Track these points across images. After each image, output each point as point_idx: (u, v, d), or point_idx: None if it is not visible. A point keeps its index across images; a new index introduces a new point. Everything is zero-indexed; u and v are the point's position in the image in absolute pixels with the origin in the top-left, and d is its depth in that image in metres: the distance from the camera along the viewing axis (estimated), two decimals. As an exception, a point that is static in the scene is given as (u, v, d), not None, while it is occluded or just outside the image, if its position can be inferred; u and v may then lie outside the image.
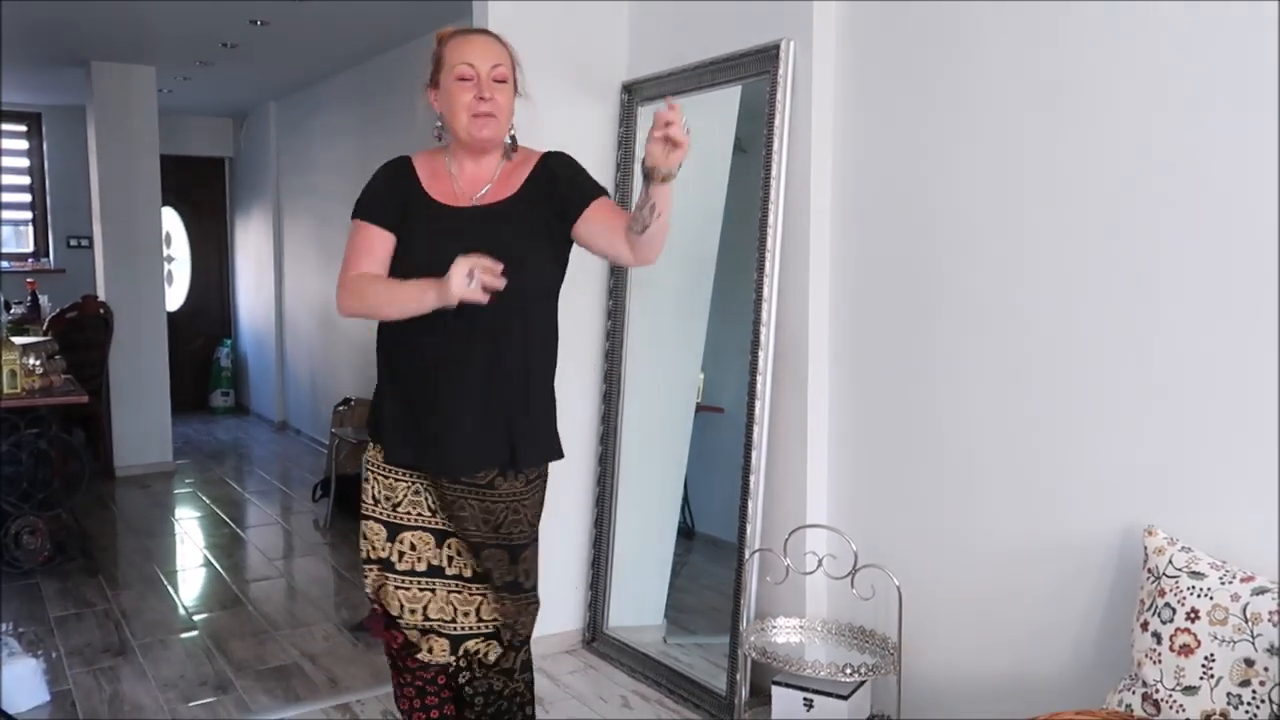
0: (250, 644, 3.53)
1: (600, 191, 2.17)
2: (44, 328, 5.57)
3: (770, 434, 2.90)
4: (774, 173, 2.85)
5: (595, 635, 3.43)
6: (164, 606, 3.93)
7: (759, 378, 2.88)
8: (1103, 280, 2.17)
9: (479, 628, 2.21)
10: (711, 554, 4.13)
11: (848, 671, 2.49)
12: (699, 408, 3.68)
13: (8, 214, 7.76)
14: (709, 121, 3.33)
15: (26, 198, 7.75)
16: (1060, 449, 2.27)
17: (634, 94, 3.41)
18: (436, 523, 2.19)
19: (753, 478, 2.88)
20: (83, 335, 5.57)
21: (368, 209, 2.15)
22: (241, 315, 8.62)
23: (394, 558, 2.19)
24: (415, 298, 1.97)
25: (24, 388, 4.01)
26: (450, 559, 2.20)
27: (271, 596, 4.07)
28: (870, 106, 2.70)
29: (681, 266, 3.44)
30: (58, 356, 4.55)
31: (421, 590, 2.19)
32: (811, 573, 2.72)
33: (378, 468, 2.20)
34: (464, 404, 2.08)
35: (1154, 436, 2.10)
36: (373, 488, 2.22)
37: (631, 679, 3.20)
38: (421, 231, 2.11)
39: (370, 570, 2.22)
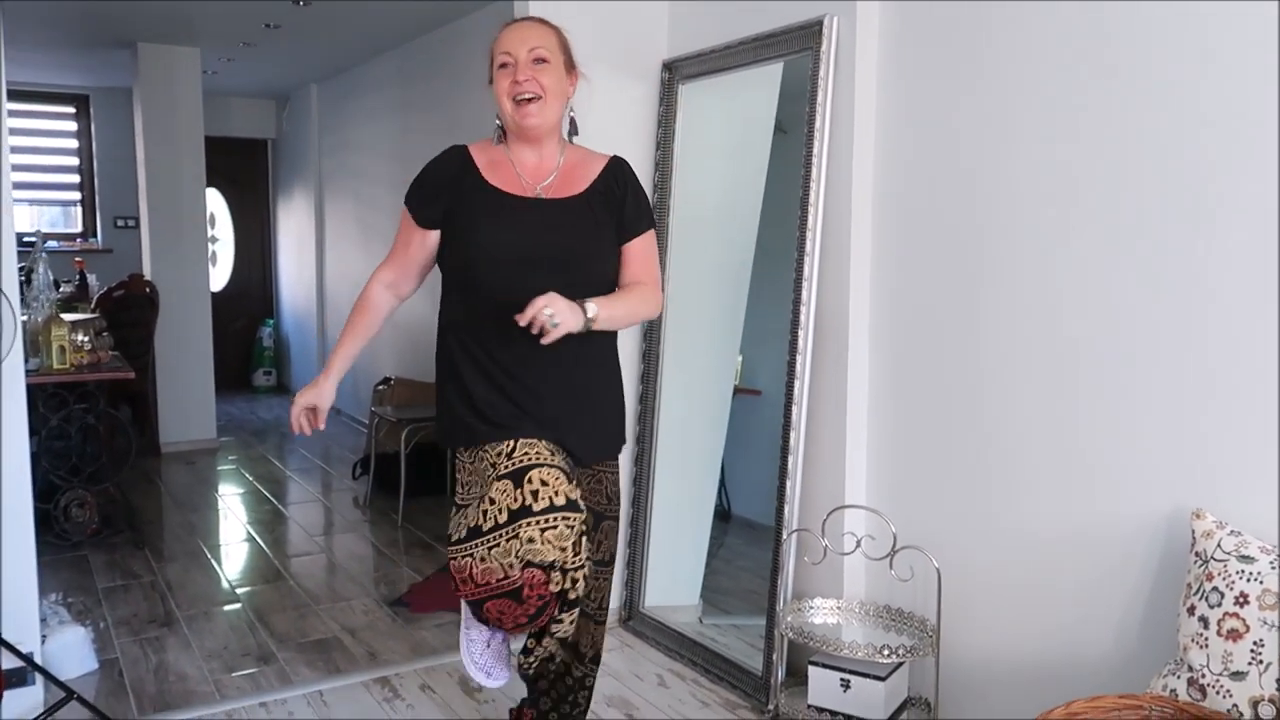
0: (291, 617, 3.59)
1: (648, 226, 2.23)
2: (92, 306, 5.66)
3: (809, 414, 2.89)
4: (815, 150, 2.82)
5: (632, 614, 3.45)
6: (208, 579, 4.00)
7: (799, 357, 2.86)
8: (1151, 260, 2.13)
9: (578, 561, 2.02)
10: (748, 537, 4.13)
11: (885, 653, 2.48)
12: (737, 390, 3.67)
13: (57, 194, 7.91)
14: (748, 101, 3.31)
15: (75, 179, 7.89)
16: (1106, 431, 2.24)
17: (675, 72, 3.39)
18: (557, 461, 2.02)
19: (791, 458, 2.87)
20: (129, 314, 5.66)
21: (414, 203, 2.18)
22: (283, 295, 8.71)
23: (530, 500, 1.94)
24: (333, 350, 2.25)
25: (73, 363, 4.08)
26: (579, 492, 2.03)
27: (312, 572, 4.12)
28: (915, 83, 2.67)
29: (720, 249, 3.42)
30: (105, 333, 4.63)
31: (554, 528, 1.93)
32: (850, 553, 2.70)
33: (474, 459, 2.07)
34: (567, 398, 2.11)
35: (1203, 419, 2.06)
36: (473, 478, 2.08)
37: (667, 658, 3.20)
38: (484, 218, 2.09)
39: (486, 541, 1.96)
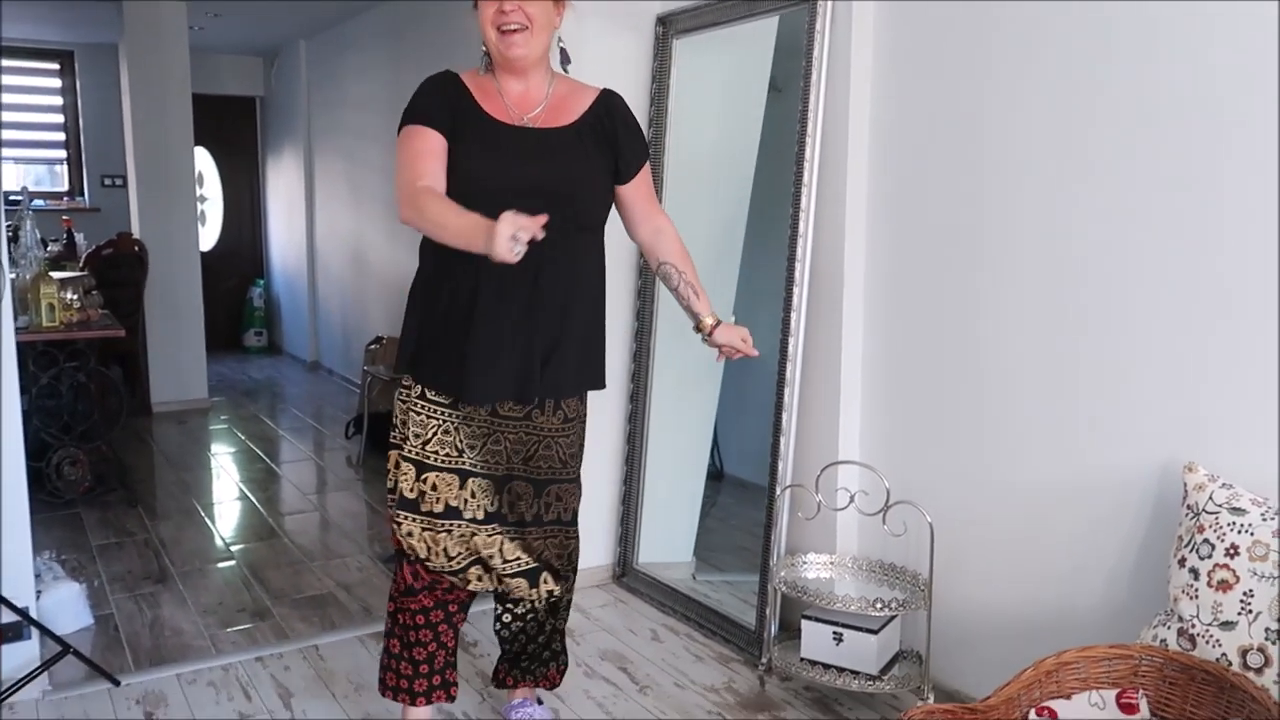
0: (286, 574, 3.60)
1: (646, 159, 2.24)
2: (80, 264, 5.62)
3: (803, 371, 2.89)
4: (811, 104, 2.80)
5: (625, 570, 3.46)
6: (202, 537, 4.01)
7: (793, 314, 2.86)
8: (1145, 213, 2.13)
9: (508, 568, 2.22)
10: (740, 496, 4.15)
11: (878, 606, 2.50)
12: (730, 350, 3.65)
13: (42, 152, 7.81)
14: (743, 57, 3.27)
15: (61, 136, 7.79)
16: (1099, 385, 2.24)
17: (669, 26, 3.35)
18: (463, 463, 2.16)
19: (785, 414, 2.87)
20: (118, 272, 5.62)
21: (421, 113, 2.06)
22: (273, 255, 8.66)
23: (417, 497, 2.16)
24: (465, 238, 1.85)
25: (62, 321, 4.06)
26: (466, 501, 2.17)
27: (306, 529, 4.13)
28: (913, 35, 2.64)
29: (713, 209, 3.40)
30: (95, 292, 4.60)
31: (438, 533, 2.17)
32: (843, 509, 2.72)
33: (410, 402, 2.16)
34: (501, 332, 2.06)
35: (1196, 373, 2.07)
36: (404, 423, 2.18)
37: (661, 613, 3.23)
38: (477, 145, 2.05)
39: (397, 514, 2.20)
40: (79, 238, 6.35)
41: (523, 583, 2.23)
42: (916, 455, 2.69)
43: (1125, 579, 2.22)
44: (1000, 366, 2.46)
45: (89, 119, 7.72)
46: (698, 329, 2.22)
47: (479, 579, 2.22)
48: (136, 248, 5.79)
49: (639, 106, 3.37)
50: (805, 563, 2.78)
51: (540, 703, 2.52)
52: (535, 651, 2.41)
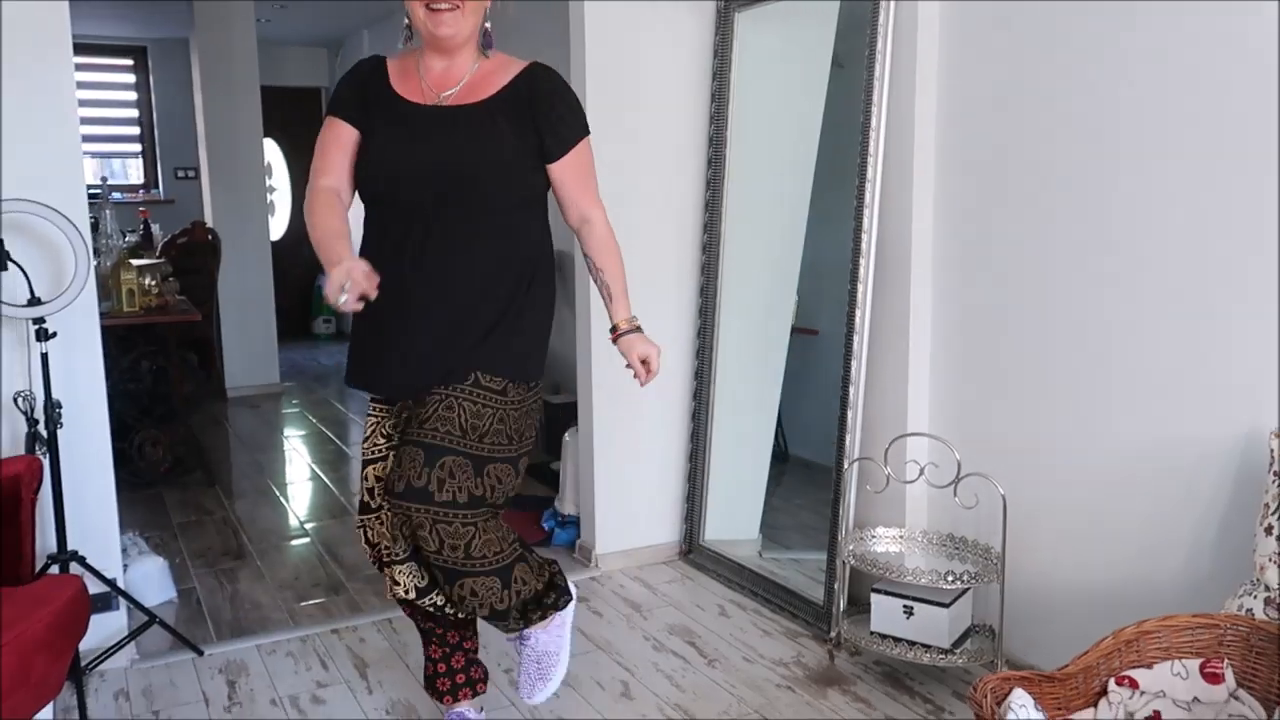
0: (358, 550, 3.60)
1: (579, 137, 2.06)
2: (157, 253, 5.77)
3: (870, 344, 2.86)
4: (877, 73, 2.76)
5: (692, 547, 3.47)
6: (277, 515, 4.11)
7: (859, 286, 2.83)
8: (1227, 175, 2.06)
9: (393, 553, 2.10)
10: (805, 476, 4.13)
11: (949, 579, 2.47)
12: (794, 329, 3.64)
13: (118, 146, 8.04)
14: (806, 31, 3.24)
15: (135, 130, 8.01)
16: (1179, 352, 2.19)
17: (731, 1, 3.33)
18: (387, 450, 2.10)
19: (852, 388, 2.85)
20: (193, 260, 5.74)
21: (334, 103, 2.08)
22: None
23: (367, 497, 2.12)
24: (325, 260, 1.89)
25: (141, 306, 4.18)
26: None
27: (377, 507, 4.20)
28: (980, 9, 2.59)
29: (777, 187, 3.38)
30: (171, 278, 4.72)
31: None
32: (913, 481, 2.69)
33: (367, 406, 2.15)
34: (406, 322, 1.99)
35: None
36: (365, 429, 2.16)
37: (728, 589, 3.23)
38: (382, 128, 2.02)
39: (360, 520, 2.15)
40: (155, 228, 6.51)
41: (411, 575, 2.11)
42: (988, 426, 2.65)
43: (1207, 550, 2.16)
44: (1074, 334, 2.41)
45: (162, 113, 7.92)
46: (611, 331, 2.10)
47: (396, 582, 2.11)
48: (210, 236, 5.92)
49: (701, 83, 3.36)
50: (874, 536, 2.76)
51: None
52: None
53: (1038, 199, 2.48)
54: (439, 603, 2.14)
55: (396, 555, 2.10)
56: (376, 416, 2.13)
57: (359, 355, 2.11)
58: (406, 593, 2.12)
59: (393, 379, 2.05)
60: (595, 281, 2.13)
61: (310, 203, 2.03)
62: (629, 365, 2.09)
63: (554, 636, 2.20)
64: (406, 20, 2.02)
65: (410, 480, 1.93)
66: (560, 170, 2.06)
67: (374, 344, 2.06)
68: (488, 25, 2.04)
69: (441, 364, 1.99)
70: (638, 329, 2.09)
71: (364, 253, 2.01)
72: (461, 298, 1.99)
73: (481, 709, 2.34)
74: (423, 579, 2.12)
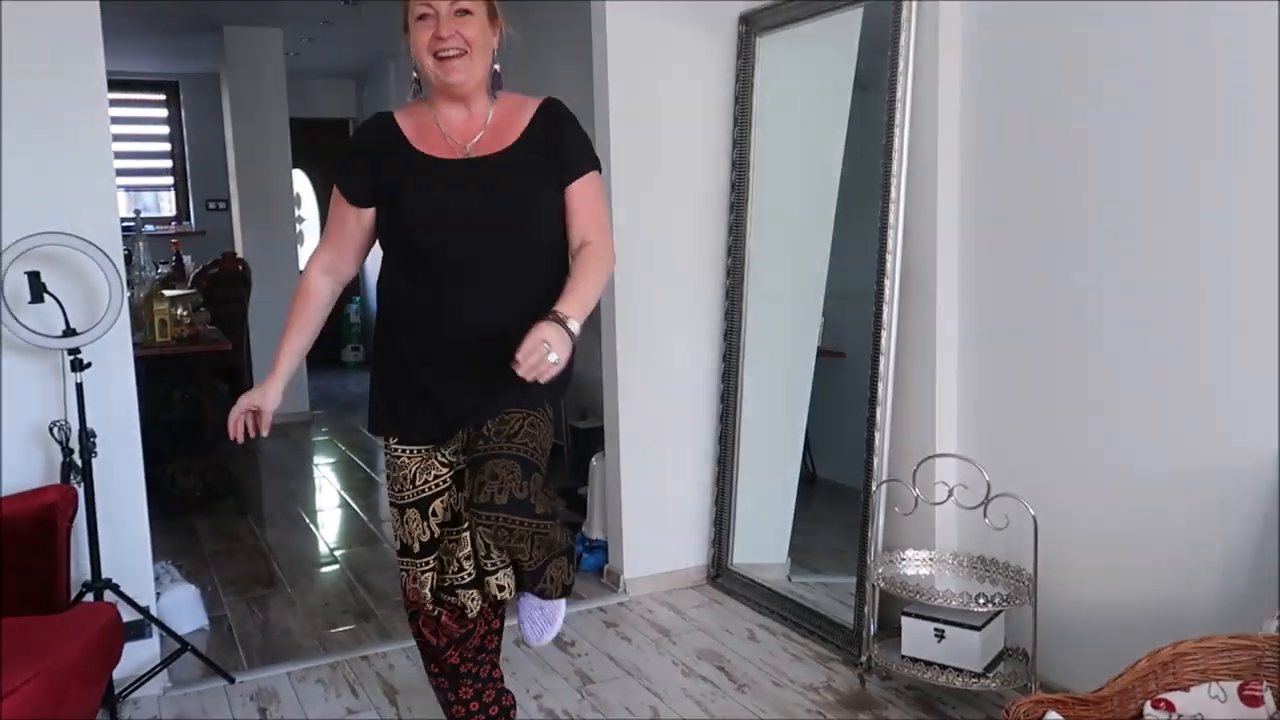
0: (388, 577, 3.68)
1: (591, 166, 2.06)
2: (189, 284, 5.85)
3: (896, 365, 2.85)
4: (899, 94, 2.77)
5: (720, 571, 3.46)
6: (307, 543, 4.14)
7: (885, 307, 2.82)
8: (1255, 195, 2.04)
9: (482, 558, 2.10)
10: (833, 499, 4.10)
11: (981, 601, 2.44)
12: (820, 352, 3.64)
13: (151, 179, 8.18)
14: (828, 52, 3.25)
15: (168, 164, 8.15)
16: (1213, 370, 2.16)
17: (752, 25, 3.35)
18: (452, 474, 2.07)
19: (879, 409, 2.84)
20: (224, 290, 5.83)
21: (342, 176, 2.08)
22: (369, 273, 8.85)
23: (438, 533, 2.09)
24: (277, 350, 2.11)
25: (174, 336, 4.24)
26: (460, 498, 2.08)
27: (406, 534, 4.22)
28: (1003, 25, 2.59)
29: (801, 209, 3.39)
30: (203, 309, 4.79)
31: (453, 543, 2.10)
32: (942, 503, 2.67)
33: (391, 453, 2.09)
34: (459, 362, 1.99)
35: (1317, 353, 1.98)
36: (391, 474, 2.10)
37: (757, 613, 3.21)
38: (412, 189, 1.98)
39: (418, 565, 2.10)
40: (186, 259, 6.62)
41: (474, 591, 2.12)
42: (1017, 447, 2.63)
43: (1243, 572, 2.13)
44: (1104, 352, 2.39)
45: (193, 146, 8.06)
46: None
47: (470, 604, 2.12)
48: (240, 266, 6.01)
49: (723, 107, 3.38)
50: (904, 559, 2.74)
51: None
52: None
53: (1063, 218, 2.47)
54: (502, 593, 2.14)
55: (487, 567, 2.09)
56: (421, 456, 2.06)
57: (390, 405, 2.07)
58: (500, 591, 2.11)
59: (433, 430, 2.03)
60: None
61: (301, 282, 2.14)
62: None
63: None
64: (415, 74, 2.01)
65: (513, 492, 1.91)
66: (570, 196, 2.03)
67: (411, 396, 2.03)
68: (497, 67, 2.03)
69: (496, 403, 1.97)
70: (560, 321, 1.85)
71: (396, 307, 2.04)
72: (507, 341, 1.86)
73: None
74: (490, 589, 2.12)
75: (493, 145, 2.01)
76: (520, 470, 1.92)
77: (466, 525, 2.08)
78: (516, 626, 2.22)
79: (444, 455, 2.08)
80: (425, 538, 2.08)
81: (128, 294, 2.94)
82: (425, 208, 1.98)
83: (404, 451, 2.07)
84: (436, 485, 2.08)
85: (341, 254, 2.11)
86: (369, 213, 2.06)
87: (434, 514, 2.08)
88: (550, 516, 2.00)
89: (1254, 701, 1.78)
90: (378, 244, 2.12)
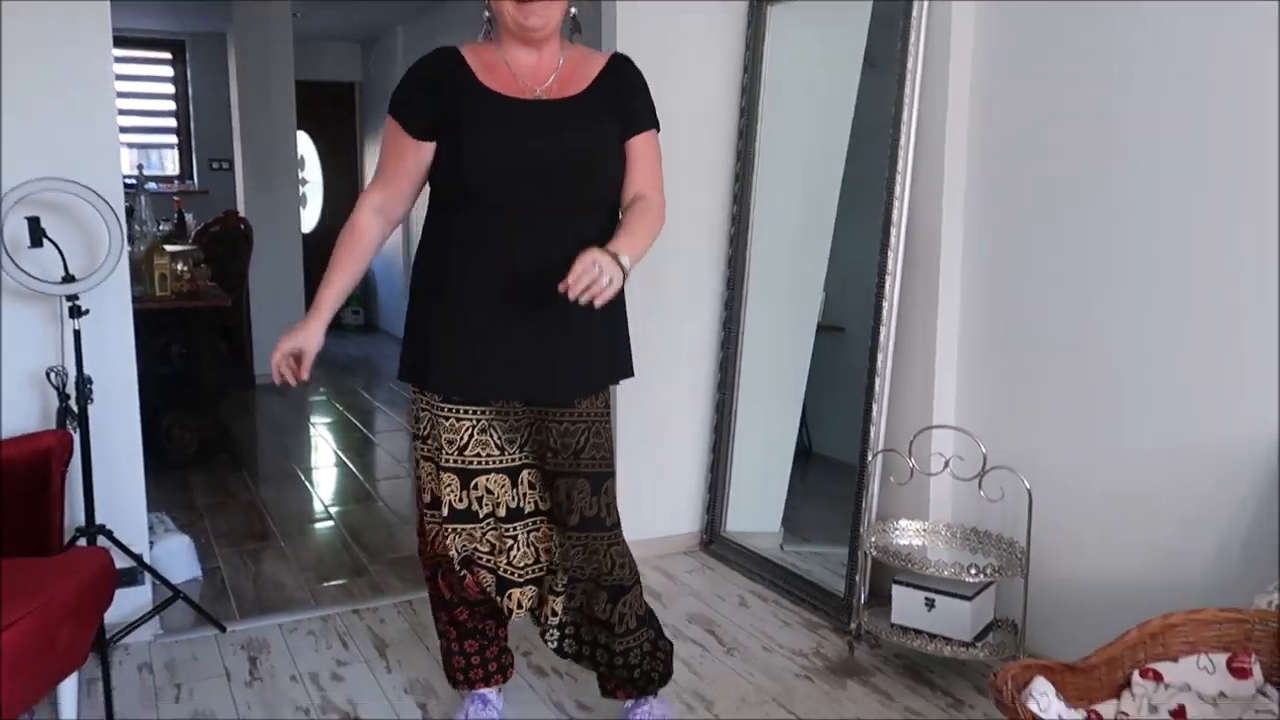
0: (381, 534, 3.70)
1: (654, 124, 2.05)
2: (190, 240, 5.84)
3: (897, 336, 2.84)
4: (910, 66, 2.74)
5: (713, 538, 3.46)
6: (302, 499, 4.14)
7: (887, 278, 2.81)
8: (1259, 177, 2.03)
9: (548, 569, 2.11)
10: (829, 473, 4.10)
11: (972, 572, 2.45)
12: (821, 327, 3.63)
13: (155, 138, 8.14)
14: (838, 27, 3.22)
15: (172, 122, 8.11)
16: (1212, 346, 2.16)
17: (763, -8, 3.32)
18: (506, 460, 2.04)
19: (878, 380, 2.83)
20: (225, 248, 5.82)
21: (400, 106, 1.98)
22: (370, 238, 8.84)
23: (475, 506, 2.04)
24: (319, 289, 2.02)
25: (174, 291, 4.23)
26: (525, 495, 2.07)
27: (400, 493, 4.23)
28: (1014, 9, 2.57)
29: (806, 183, 3.37)
30: (203, 264, 4.78)
31: (503, 537, 2.06)
32: (938, 474, 2.67)
33: (433, 409, 2.01)
34: (544, 321, 1.93)
35: (1318, 330, 1.97)
36: (432, 430, 2.03)
37: (749, 580, 3.22)
38: (477, 125, 1.92)
39: (446, 528, 2.05)
40: (188, 217, 6.60)
41: (529, 591, 2.11)
42: (1014, 420, 2.63)
43: (1236, 549, 2.13)
44: (1104, 329, 2.38)
45: (198, 105, 8.01)
46: None
47: (525, 601, 2.11)
48: (242, 225, 5.99)
49: (732, 78, 3.36)
50: (897, 529, 2.74)
51: (655, 695, 2.28)
52: (628, 663, 2.16)
53: (1069, 194, 2.46)
54: (556, 616, 2.14)
55: (531, 574, 2.10)
56: (471, 419, 2.01)
57: (468, 364, 1.97)
58: (547, 606, 2.12)
59: (507, 386, 1.98)
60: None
61: (350, 219, 2.04)
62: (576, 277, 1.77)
63: (665, 706, 2.29)
64: (487, 13, 1.98)
65: (583, 512, 2.03)
66: (630, 150, 2.01)
67: (472, 347, 1.96)
68: (574, 11, 2.01)
69: (570, 372, 1.98)
70: (611, 253, 1.80)
71: (445, 252, 1.99)
72: (584, 309, 1.84)
73: (499, 691, 2.34)
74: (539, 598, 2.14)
75: (562, 91, 1.98)
76: (590, 487, 2.03)
77: (525, 527, 2.08)
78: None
79: (499, 435, 2.03)
80: (461, 506, 2.04)
81: (128, 248, 2.94)
82: (490, 146, 1.92)
83: (453, 412, 2.00)
84: (488, 463, 2.03)
85: (395, 192, 2.04)
86: (428, 148, 1.98)
87: (474, 488, 2.03)
88: (618, 525, 2.10)
89: (1242, 674, 1.78)
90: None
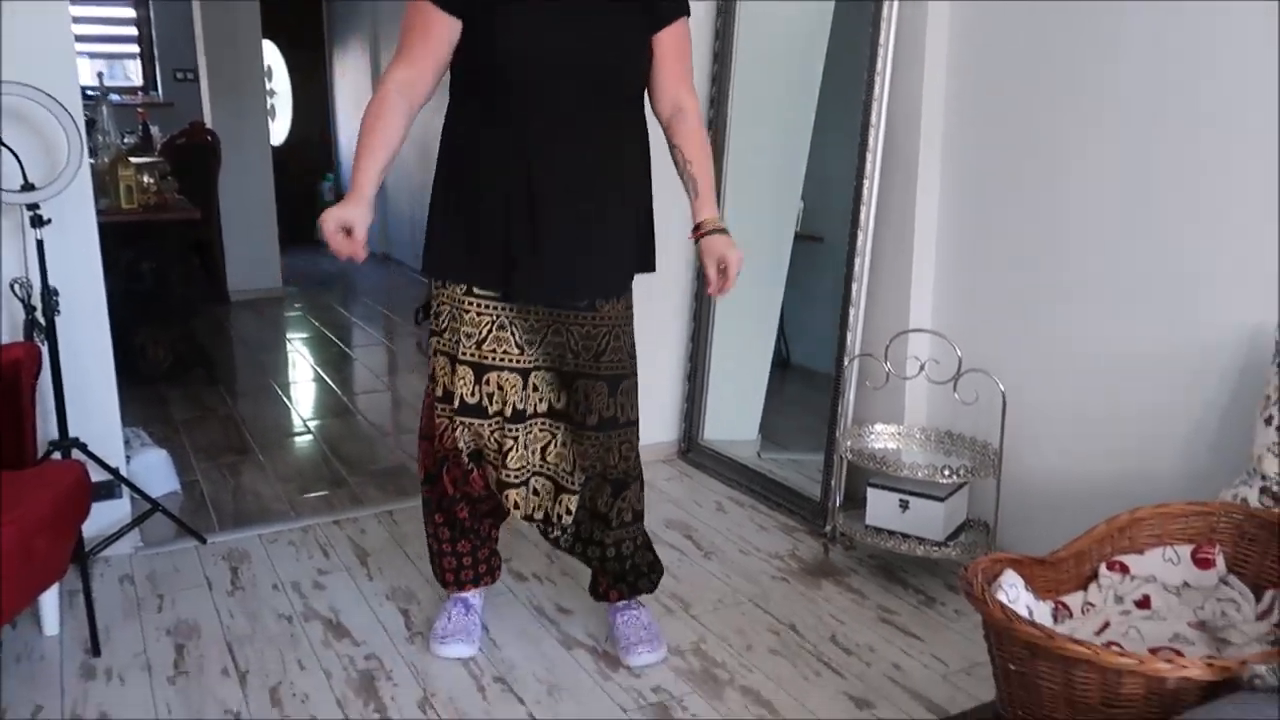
0: (360, 447, 3.70)
1: (685, 10, 2.01)
2: (156, 153, 5.70)
3: (874, 241, 2.82)
4: (889, -40, 2.67)
5: (690, 446, 3.49)
6: (279, 413, 4.13)
7: (864, 182, 2.78)
8: (1234, 66, 2.00)
9: (559, 467, 2.10)
10: (807, 383, 4.12)
11: (946, 473, 2.48)
12: (799, 236, 3.60)
13: (116, 47, 7.89)
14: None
15: (133, 31, 7.85)
16: (1184, 246, 2.15)
17: (739, -116, 3.21)
18: (523, 360, 2.03)
19: (855, 285, 2.82)
20: (192, 161, 5.69)
21: None
22: (343, 150, 8.69)
23: (485, 402, 2.03)
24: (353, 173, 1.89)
25: (140, 203, 4.14)
26: (530, 397, 2.05)
27: (378, 407, 4.23)
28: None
29: (784, 89, 3.31)
30: (170, 177, 4.67)
31: (504, 438, 2.05)
32: (913, 377, 2.68)
33: (455, 300, 2.02)
34: (553, 222, 1.92)
35: (1294, 227, 1.97)
36: (451, 323, 2.03)
37: (726, 486, 3.25)
38: (511, 15, 1.87)
39: (457, 420, 2.05)
40: (154, 129, 6.43)
41: (541, 492, 2.11)
42: (990, 323, 2.63)
43: (1205, 444, 2.16)
44: (1080, 229, 2.37)
45: (160, 13, 7.74)
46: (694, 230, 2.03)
47: (521, 502, 2.10)
48: (209, 137, 5.85)
49: (701, 63, 3.25)
50: (873, 433, 2.77)
51: (642, 605, 2.33)
52: (620, 554, 2.21)
53: (1044, 94, 2.42)
54: (570, 515, 2.13)
55: (523, 476, 2.08)
56: (492, 314, 2.01)
57: (487, 260, 1.96)
58: (561, 504, 2.11)
59: (533, 283, 1.96)
60: (681, 175, 2.04)
61: (374, 98, 1.91)
62: (702, 270, 2.01)
63: (650, 614, 2.32)
64: None
65: (601, 413, 2.07)
66: (660, 44, 1.98)
67: (496, 240, 1.94)
68: None
69: (595, 273, 1.99)
70: (723, 230, 1.98)
71: (470, 146, 1.95)
72: (601, 194, 1.94)
73: (480, 594, 2.37)
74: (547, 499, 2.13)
75: None
76: (607, 389, 2.06)
77: (525, 429, 2.06)
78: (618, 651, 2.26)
79: (518, 334, 2.02)
80: (473, 400, 2.03)
81: (91, 160, 2.85)
82: (519, 37, 1.87)
83: (474, 305, 2.00)
84: (503, 360, 2.02)
85: (421, 70, 1.93)
86: (457, 26, 1.90)
87: (487, 383, 2.03)
88: (632, 423, 2.13)
89: (1206, 564, 1.82)
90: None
